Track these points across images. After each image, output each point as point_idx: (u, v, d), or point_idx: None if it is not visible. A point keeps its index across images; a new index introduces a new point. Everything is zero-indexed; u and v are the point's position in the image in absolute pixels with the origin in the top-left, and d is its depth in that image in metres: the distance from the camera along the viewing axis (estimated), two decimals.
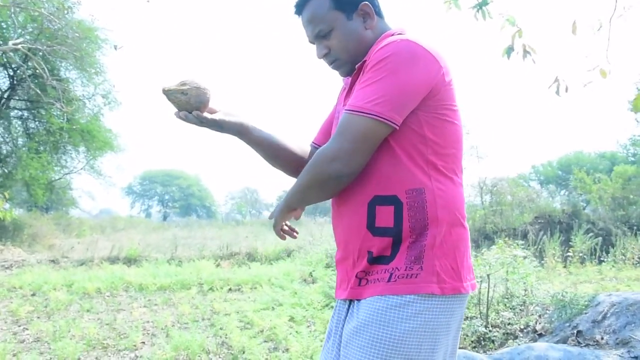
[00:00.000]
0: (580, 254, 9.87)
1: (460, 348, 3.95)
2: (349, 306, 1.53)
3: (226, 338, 4.95)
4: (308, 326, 5.28)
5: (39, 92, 12.54)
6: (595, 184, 13.70)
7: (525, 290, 4.95)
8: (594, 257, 9.96)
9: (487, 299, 4.74)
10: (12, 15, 10.95)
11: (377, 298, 1.40)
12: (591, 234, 10.50)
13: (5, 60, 15.14)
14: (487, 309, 4.69)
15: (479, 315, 4.77)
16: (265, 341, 4.80)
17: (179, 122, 1.57)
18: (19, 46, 9.81)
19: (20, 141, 17.69)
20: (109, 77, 18.86)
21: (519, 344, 3.92)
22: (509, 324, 4.62)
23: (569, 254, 9.66)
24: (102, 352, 4.64)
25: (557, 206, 13.12)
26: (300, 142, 1.78)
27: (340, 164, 1.40)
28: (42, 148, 17.29)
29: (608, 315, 3.82)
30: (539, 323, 4.44)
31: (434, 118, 1.44)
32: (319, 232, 12.77)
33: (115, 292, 7.61)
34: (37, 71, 11.30)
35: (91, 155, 19.02)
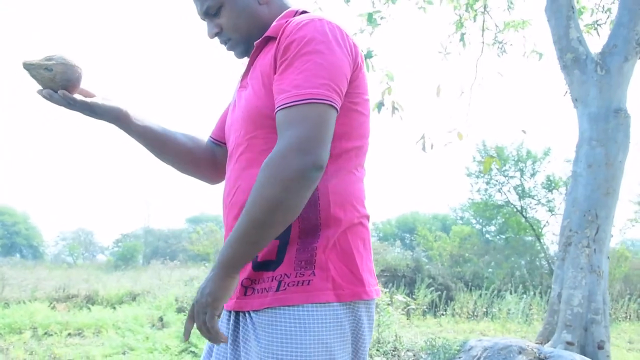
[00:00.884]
0: (423, 307, 10.51)
1: None
2: (235, 317, 1.34)
3: None
4: None
5: None
6: (436, 242, 14.90)
7: (396, 335, 5.11)
8: (436, 309, 10.66)
9: None
10: None
11: (270, 312, 1.24)
12: (432, 288, 11.27)
13: None
14: None
15: None
16: None
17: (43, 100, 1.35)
18: None
19: None
20: None
21: None
22: None
23: (411, 306, 10.24)
24: None
25: (401, 261, 13.95)
26: (192, 134, 1.59)
27: (305, 153, 1.14)
28: None
29: (482, 358, 4.07)
30: None
31: (345, 107, 1.28)
32: (167, 275, 12.16)
33: None
34: None
35: None
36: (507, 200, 15.42)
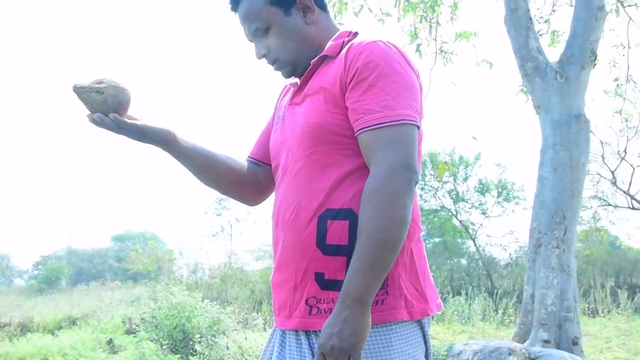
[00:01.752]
0: None
1: None
2: (281, 335, 1.33)
3: None
4: None
5: None
6: None
7: None
8: None
9: None
10: None
11: None
12: None
13: None
14: None
15: None
16: None
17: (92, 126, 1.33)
18: None
19: None
20: None
21: None
22: None
23: None
24: None
25: None
26: (233, 154, 1.58)
27: (411, 171, 1.20)
28: None
29: None
30: None
31: None
32: (108, 297, 11.53)
33: None
34: None
35: None
36: (442, 204, 15.90)
